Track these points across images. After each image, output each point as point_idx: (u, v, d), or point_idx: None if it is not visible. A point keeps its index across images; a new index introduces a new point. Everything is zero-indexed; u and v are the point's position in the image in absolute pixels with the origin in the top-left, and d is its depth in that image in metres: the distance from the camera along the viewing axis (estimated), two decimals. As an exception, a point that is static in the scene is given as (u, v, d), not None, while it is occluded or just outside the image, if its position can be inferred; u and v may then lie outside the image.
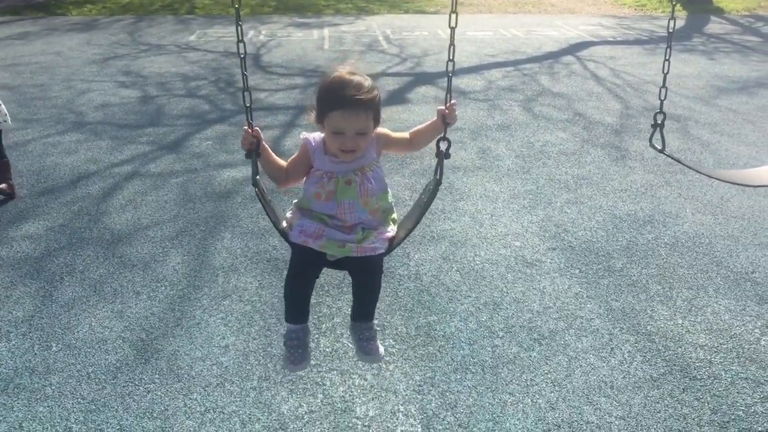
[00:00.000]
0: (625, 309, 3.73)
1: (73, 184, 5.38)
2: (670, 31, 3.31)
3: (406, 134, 2.57)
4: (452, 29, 2.48)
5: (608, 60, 10.16)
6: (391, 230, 2.48)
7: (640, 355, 3.34)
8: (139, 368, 3.21)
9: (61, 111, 7.36)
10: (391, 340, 3.44)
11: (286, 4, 16.27)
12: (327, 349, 3.37)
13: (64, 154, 6.04)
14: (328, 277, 3.99)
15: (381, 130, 2.48)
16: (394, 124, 6.92)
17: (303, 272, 2.46)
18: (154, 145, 6.31)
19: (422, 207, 2.52)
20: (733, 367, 3.25)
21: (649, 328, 3.56)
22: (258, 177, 2.42)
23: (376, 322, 2.62)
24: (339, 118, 2.28)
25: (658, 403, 3.01)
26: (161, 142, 6.40)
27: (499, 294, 3.87)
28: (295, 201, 2.52)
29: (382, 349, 2.58)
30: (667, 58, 3.35)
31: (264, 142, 2.44)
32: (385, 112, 7.24)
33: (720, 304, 3.78)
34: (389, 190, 2.53)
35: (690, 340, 3.46)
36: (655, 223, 4.77)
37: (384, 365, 3.25)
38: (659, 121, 3.29)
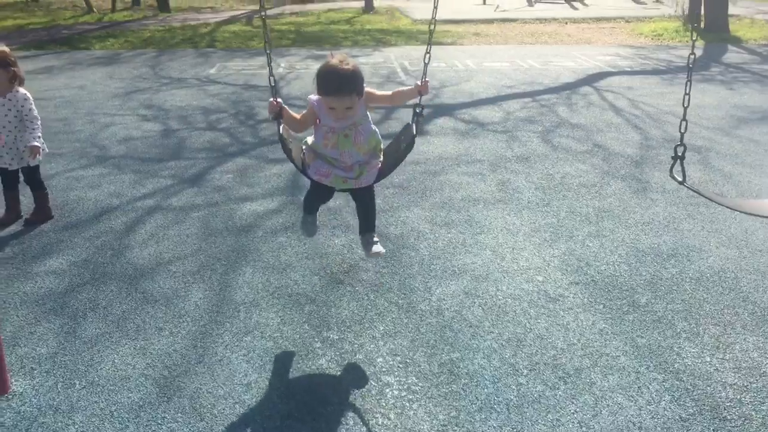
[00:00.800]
0: (652, 346, 3.68)
1: (96, 219, 5.44)
2: (690, 66, 3.31)
3: (388, 92, 3.58)
4: (430, 31, 3.74)
5: (626, 90, 10.17)
6: (379, 161, 3.49)
7: (669, 395, 3.28)
8: (161, 407, 3.20)
9: (85, 145, 7.46)
10: (414, 378, 3.41)
11: (305, 37, 16.50)
12: (349, 388, 3.34)
13: (87, 188, 6.12)
14: (350, 312, 3.99)
15: (367, 89, 3.37)
16: (413, 156, 6.94)
17: (318, 194, 3.69)
18: (176, 179, 6.37)
19: (403, 150, 3.51)
20: (764, 407, 3.18)
21: (676, 366, 3.50)
22: (282, 127, 3.41)
23: (375, 234, 3.81)
24: (331, 101, 3.25)
25: (688, 444, 2.95)
26: (182, 176, 6.46)
27: (522, 330, 3.84)
28: (307, 141, 3.51)
29: (382, 248, 3.78)
30: (687, 92, 3.35)
31: (284, 107, 3.40)
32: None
33: (748, 341, 3.71)
34: (376, 130, 3.48)
35: (719, 378, 3.40)
36: (679, 257, 4.72)
37: (407, 404, 3.22)
38: (680, 153, 3.28)
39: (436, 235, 5.09)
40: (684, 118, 3.35)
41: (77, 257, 4.76)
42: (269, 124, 8.34)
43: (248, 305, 4.12)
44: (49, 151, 6.35)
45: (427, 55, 3.63)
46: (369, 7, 23.30)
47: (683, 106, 3.35)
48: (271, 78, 3.50)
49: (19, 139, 5.20)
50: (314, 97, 3.40)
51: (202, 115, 8.84)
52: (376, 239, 3.78)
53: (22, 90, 5.20)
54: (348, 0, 28.20)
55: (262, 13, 3.56)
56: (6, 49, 5.19)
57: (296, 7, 24.82)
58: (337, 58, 3.30)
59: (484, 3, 24.51)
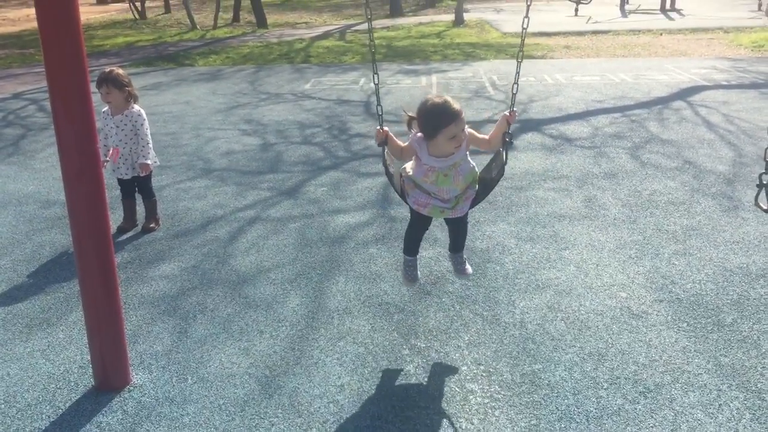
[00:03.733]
0: (735, 365, 3.72)
1: (203, 228, 5.89)
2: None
3: (485, 136, 3.77)
4: (524, 30, 3.75)
5: (721, 105, 9.95)
6: (474, 190, 3.72)
7: (749, 413, 3.33)
8: (264, 402, 3.52)
9: (191, 158, 8.01)
10: (497, 386, 3.59)
11: (395, 51, 16.87)
12: (435, 393, 3.57)
13: (194, 199, 6.60)
14: (436, 322, 4.21)
15: (469, 130, 3.60)
16: (501, 171, 7.10)
17: (418, 224, 3.93)
18: (274, 191, 6.78)
19: (493, 179, 3.75)
20: None
21: (759, 385, 3.54)
22: (385, 157, 3.65)
23: (465, 254, 4.16)
24: (454, 128, 3.44)
25: (767, 462, 3.01)
26: (280, 188, 6.86)
27: (604, 345, 3.95)
28: (406, 168, 3.72)
29: (470, 269, 4.20)
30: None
31: (390, 134, 3.60)
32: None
33: (837, 364, 3.70)
34: (474, 167, 3.70)
35: (803, 400, 3.41)
36: (768, 277, 4.70)
37: (490, 411, 3.41)
38: (765, 182, 3.33)
39: (521, 249, 5.24)
40: (770, 146, 3.38)
41: (187, 263, 5.20)
42: (361, 139, 8.69)
43: (341, 312, 4.40)
44: (160, 164, 6.90)
45: (515, 86, 3.77)
46: (459, 21, 23.47)
47: (768, 132, 3.38)
48: (379, 108, 3.72)
49: (133, 151, 5.74)
50: (415, 136, 3.61)
51: (297, 130, 9.28)
52: (464, 258, 4.15)
53: (137, 107, 5.73)
54: (439, 13, 28.49)
55: (374, 72, 3.73)
56: (120, 70, 5.71)
57: (387, 22, 25.31)
58: (433, 95, 3.54)
59: (576, 14, 24.24)
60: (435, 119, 3.43)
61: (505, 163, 3.64)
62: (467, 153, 3.63)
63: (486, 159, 3.96)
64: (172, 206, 6.43)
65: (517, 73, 3.81)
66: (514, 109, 3.71)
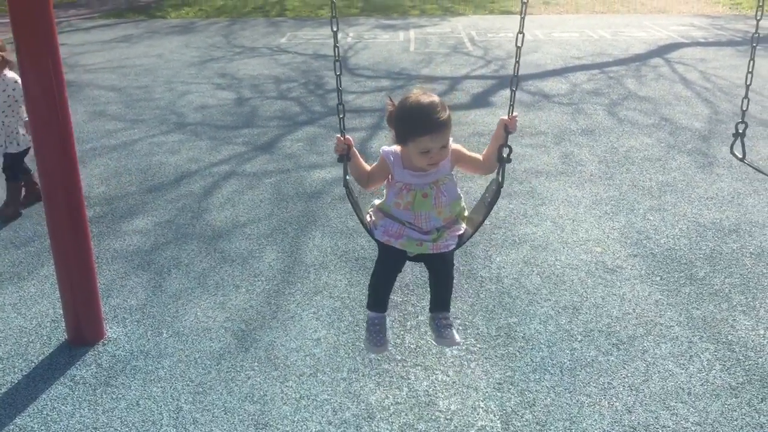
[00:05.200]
0: (706, 318, 3.78)
1: (176, 182, 5.80)
2: (754, 45, 3.31)
3: (479, 155, 2.80)
4: (518, 48, 2.76)
5: (698, 62, 9.96)
6: (462, 227, 2.82)
7: (720, 364, 3.39)
8: (240, 356, 3.51)
9: (164, 112, 7.85)
10: (472, 340, 3.62)
11: (373, 5, 16.58)
12: (412, 346, 3.58)
13: (168, 154, 6.49)
14: (413, 277, 4.20)
15: (455, 146, 2.75)
16: (478, 127, 7.07)
17: (388, 265, 2.83)
18: (249, 146, 6.68)
19: (486, 207, 2.80)
20: (815, 380, 3.26)
21: (729, 337, 3.60)
22: (348, 178, 2.74)
23: (451, 312, 2.95)
24: (428, 141, 2.56)
25: (735, 411, 3.08)
26: (255, 143, 6.76)
27: (578, 298, 3.98)
28: (376, 202, 2.85)
29: (457, 336, 2.93)
30: (749, 70, 3.36)
31: (354, 148, 2.74)
32: (469, 116, 7.37)
33: (805, 317, 3.77)
34: (461, 196, 2.82)
35: (771, 351, 3.48)
36: (740, 233, 4.75)
37: (466, 363, 3.43)
38: (740, 131, 3.33)
39: (498, 205, 5.20)
40: (746, 96, 3.39)
41: (160, 218, 5.12)
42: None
43: (317, 267, 4.38)
44: (132, 117, 6.77)
45: (515, 79, 2.77)
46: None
47: (746, 84, 3.38)
48: (340, 107, 2.76)
49: (6, 124, 5.05)
50: (387, 148, 2.76)
51: (273, 84, 9.13)
52: (450, 322, 2.91)
53: (11, 74, 4.97)
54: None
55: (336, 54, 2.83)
56: None
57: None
58: (420, 92, 2.68)
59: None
60: (409, 122, 2.59)
61: (502, 185, 2.72)
62: (453, 174, 2.79)
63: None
64: (145, 161, 6.31)
65: (515, 76, 2.77)
66: (516, 114, 2.73)
